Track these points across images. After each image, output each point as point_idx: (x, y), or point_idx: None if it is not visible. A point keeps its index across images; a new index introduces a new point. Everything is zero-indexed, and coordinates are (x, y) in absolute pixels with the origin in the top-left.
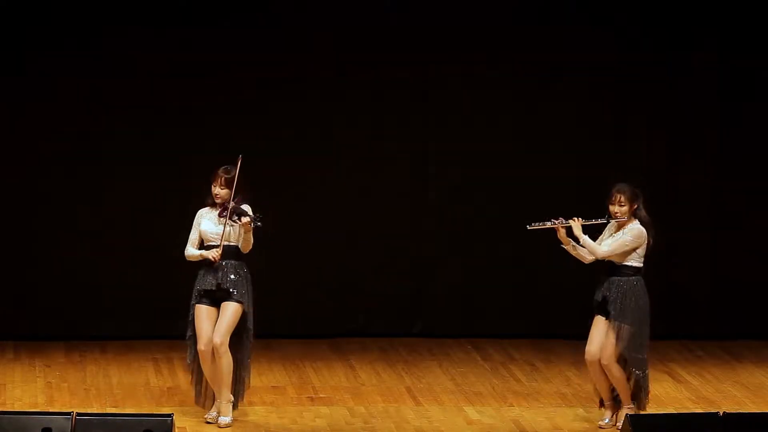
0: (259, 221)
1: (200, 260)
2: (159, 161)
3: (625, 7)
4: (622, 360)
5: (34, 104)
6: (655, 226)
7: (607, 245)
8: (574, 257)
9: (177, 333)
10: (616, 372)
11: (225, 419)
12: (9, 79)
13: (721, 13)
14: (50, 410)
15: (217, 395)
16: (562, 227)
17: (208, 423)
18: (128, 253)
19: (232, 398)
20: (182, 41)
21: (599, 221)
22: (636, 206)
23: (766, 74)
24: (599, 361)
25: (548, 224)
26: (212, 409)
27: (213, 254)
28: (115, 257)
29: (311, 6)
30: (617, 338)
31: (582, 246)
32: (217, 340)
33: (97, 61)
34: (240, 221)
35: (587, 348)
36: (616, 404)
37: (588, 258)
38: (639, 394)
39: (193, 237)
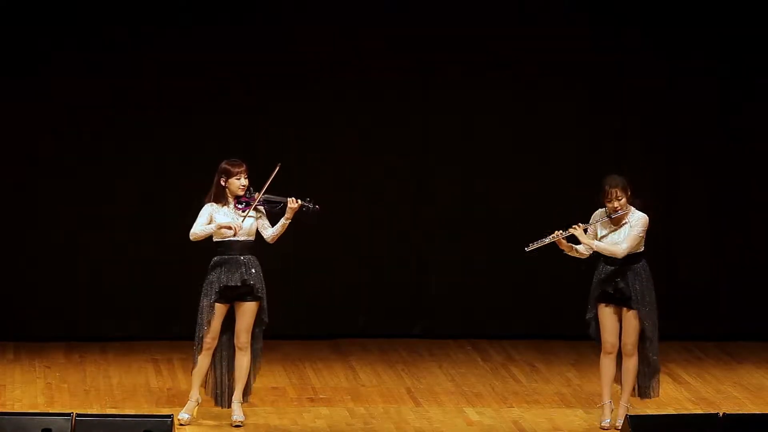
0: (313, 203)
1: (218, 246)
2: (159, 161)
3: (625, 8)
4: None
5: (34, 104)
6: (654, 227)
7: (624, 244)
8: (576, 257)
9: (177, 333)
10: (635, 362)
11: (240, 417)
12: (9, 79)
13: (721, 14)
14: (50, 411)
15: (193, 393)
16: (563, 239)
17: (182, 425)
18: (128, 253)
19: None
20: (182, 41)
21: (601, 221)
22: (630, 195)
23: (766, 74)
24: (616, 353)
25: (547, 240)
26: (185, 410)
27: (235, 224)
28: (115, 257)
29: (311, 6)
30: (641, 325)
31: (585, 251)
32: (243, 339)
33: (98, 61)
34: (291, 201)
35: (607, 338)
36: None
37: (586, 253)
38: (651, 384)
39: (203, 220)
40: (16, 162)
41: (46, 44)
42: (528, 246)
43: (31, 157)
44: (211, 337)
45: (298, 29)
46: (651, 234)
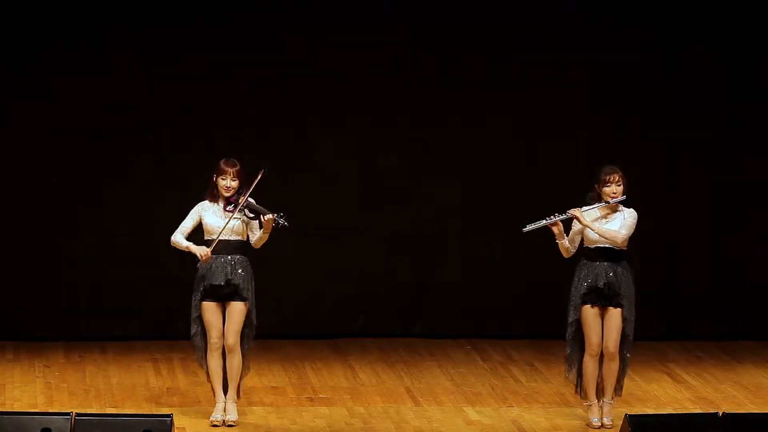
0: (284, 220)
1: (188, 253)
2: (158, 161)
3: (625, 7)
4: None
5: (35, 104)
6: (654, 226)
7: (623, 230)
8: (560, 252)
9: (177, 333)
10: (618, 362)
11: (233, 417)
12: (9, 79)
13: (721, 13)
14: (49, 410)
15: (218, 395)
16: (560, 222)
17: (215, 426)
18: (128, 253)
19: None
20: (182, 41)
21: (599, 205)
22: (625, 186)
23: (766, 74)
24: (599, 353)
25: (544, 222)
26: (216, 412)
27: (202, 252)
28: (115, 257)
29: (311, 6)
30: (625, 324)
31: (570, 247)
32: (231, 341)
33: (97, 61)
34: (263, 217)
35: (593, 340)
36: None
37: (572, 250)
38: (622, 379)
39: (186, 225)
40: (17, 162)
41: (46, 44)
42: (525, 227)
43: (31, 157)
44: (216, 336)
45: (298, 29)
46: (651, 233)
